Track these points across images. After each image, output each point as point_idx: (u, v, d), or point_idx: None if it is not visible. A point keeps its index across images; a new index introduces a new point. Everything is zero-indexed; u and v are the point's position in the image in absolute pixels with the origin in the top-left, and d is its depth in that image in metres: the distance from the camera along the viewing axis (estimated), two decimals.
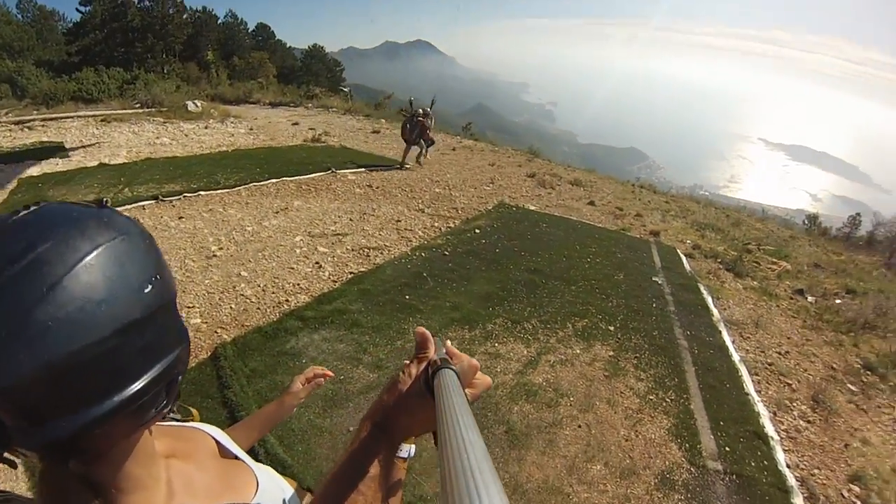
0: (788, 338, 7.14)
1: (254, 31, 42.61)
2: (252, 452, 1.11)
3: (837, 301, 9.19)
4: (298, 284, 6.04)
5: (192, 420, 1.12)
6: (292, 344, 4.73)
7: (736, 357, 6.10)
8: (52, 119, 15.35)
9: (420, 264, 6.80)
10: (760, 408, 5.12)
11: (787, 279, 10.00)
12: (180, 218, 7.96)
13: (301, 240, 7.38)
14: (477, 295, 6.05)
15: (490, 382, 0.73)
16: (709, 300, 7.69)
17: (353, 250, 7.05)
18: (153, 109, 16.99)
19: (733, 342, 6.51)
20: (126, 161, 11.06)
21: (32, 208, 0.68)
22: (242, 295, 5.75)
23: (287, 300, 5.65)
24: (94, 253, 0.64)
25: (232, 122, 16.17)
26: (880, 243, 18.23)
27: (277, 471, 1.09)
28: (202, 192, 9.01)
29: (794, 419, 5.15)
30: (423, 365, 0.72)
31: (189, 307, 5.46)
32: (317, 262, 6.55)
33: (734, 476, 4.06)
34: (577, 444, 4.09)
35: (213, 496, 0.86)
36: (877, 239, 18.64)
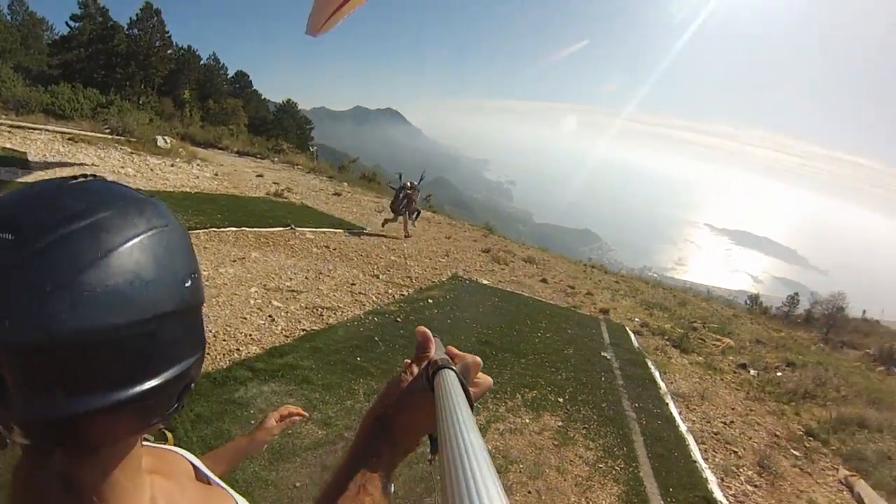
0: (733, 408, 7.53)
1: (232, 77, 43.29)
2: None
3: (779, 374, 9.77)
4: (251, 335, 5.98)
5: (167, 444, 1.10)
6: (241, 393, 4.68)
7: (683, 427, 6.38)
8: (19, 127, 14.99)
9: (372, 328, 6.90)
10: (708, 474, 5.35)
11: (731, 354, 10.60)
12: None
13: (256, 291, 7.36)
14: None
15: (491, 382, 0.73)
16: (656, 374, 8.05)
17: (306, 308, 7.09)
18: (122, 138, 17.00)
19: (680, 413, 6.81)
20: None
21: (91, 177, 0.71)
22: None
23: (238, 349, 5.60)
24: (150, 233, 0.66)
25: (198, 165, 16.25)
26: (817, 320, 19.60)
27: None
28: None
29: (742, 484, 5.40)
30: (424, 364, 0.72)
31: None
32: (270, 316, 6.54)
33: None
34: None
35: None
36: (814, 316, 20.05)
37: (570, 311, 11.01)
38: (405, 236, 13.34)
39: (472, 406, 0.59)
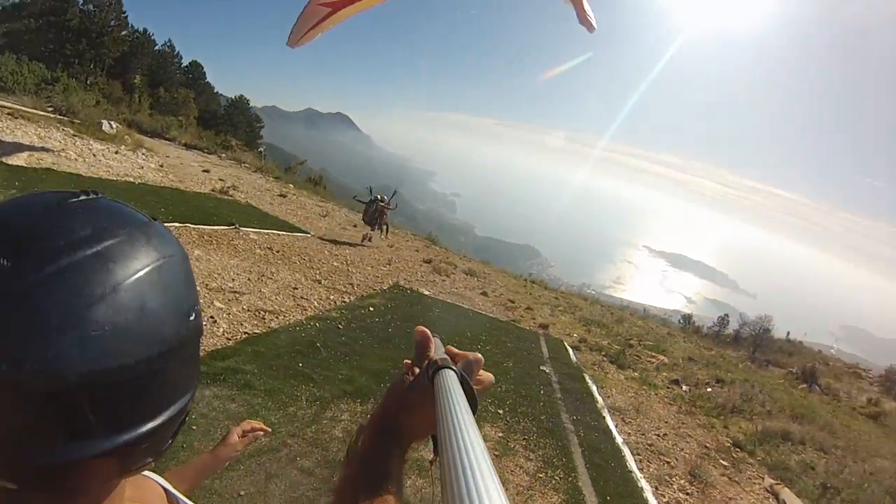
0: (666, 422, 7.97)
1: (186, 67, 41.56)
2: None
3: (709, 389, 10.39)
4: None
5: None
6: None
7: (619, 439, 6.69)
8: None
9: (314, 334, 6.85)
10: (643, 483, 5.66)
11: (665, 371, 11.18)
12: None
13: (198, 291, 7.06)
14: (369, 370, 6.16)
15: (493, 378, 0.74)
16: (594, 388, 8.39)
17: (248, 311, 6.97)
18: (66, 118, 16.24)
19: (616, 426, 7.14)
20: (25, 165, 10.20)
21: (92, 195, 0.67)
22: None
23: None
24: (157, 264, 0.63)
25: (144, 154, 15.60)
26: (745, 340, 21.00)
27: None
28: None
29: (675, 492, 5.76)
30: (424, 364, 0.71)
31: None
32: (212, 317, 6.34)
33: None
34: None
35: None
36: (742, 336, 21.46)
37: (510, 324, 11.28)
38: (365, 241, 14.26)
39: (475, 404, 0.60)
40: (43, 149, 11.91)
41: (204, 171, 16.84)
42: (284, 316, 7.19)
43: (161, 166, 14.96)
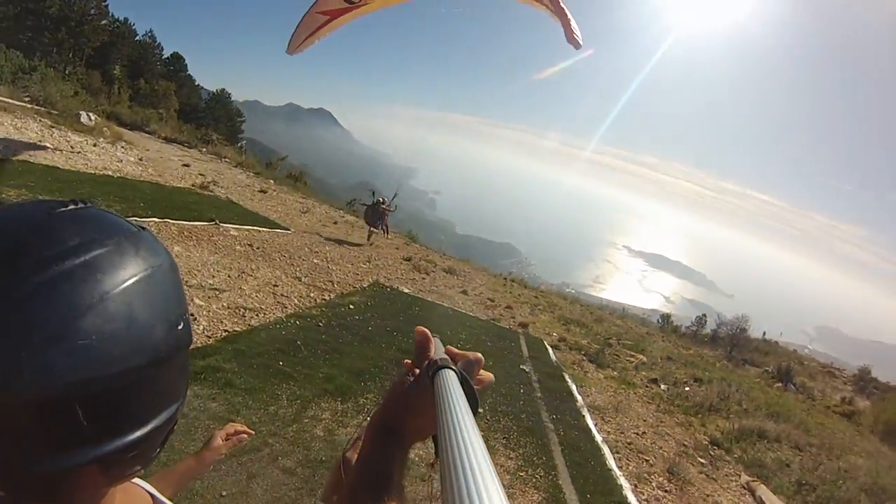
0: (645, 420, 8.13)
1: (168, 58, 40.77)
2: None
3: (687, 388, 10.61)
4: None
5: None
6: None
7: (599, 438, 6.81)
8: None
9: (294, 332, 6.84)
10: (623, 481, 5.78)
11: (644, 370, 11.37)
12: None
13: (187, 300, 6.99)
14: (350, 369, 6.17)
15: (493, 378, 0.74)
16: (573, 388, 8.51)
17: (229, 308, 6.94)
18: (43, 109, 15.94)
19: (596, 424, 7.26)
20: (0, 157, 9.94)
21: (80, 205, 0.68)
22: None
23: None
24: (145, 273, 0.65)
25: (123, 148, 15.43)
26: (722, 339, 21.45)
27: None
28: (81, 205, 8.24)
29: (654, 489, 5.91)
30: (425, 364, 0.71)
31: None
32: (192, 314, 6.29)
33: None
34: None
35: None
36: (719, 336, 21.91)
37: (490, 323, 11.36)
38: (369, 242, 15.26)
39: (476, 404, 0.61)
40: (19, 141, 11.68)
41: (184, 165, 16.68)
42: (265, 313, 7.18)
43: (140, 160, 14.78)
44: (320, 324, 7.44)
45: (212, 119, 37.99)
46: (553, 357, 10.10)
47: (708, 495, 6.17)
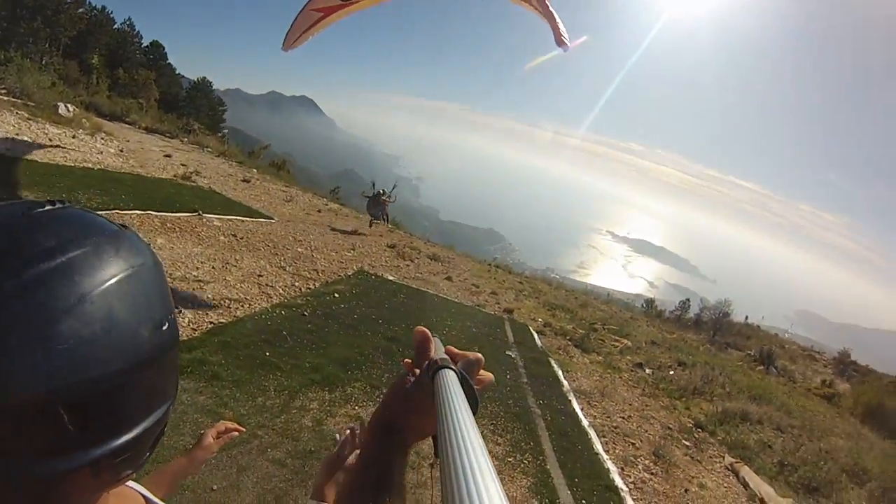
0: (630, 404, 8.26)
1: (147, 47, 39.94)
2: None
3: (671, 372, 10.79)
4: None
5: None
6: None
7: (585, 422, 6.91)
8: None
9: (280, 322, 6.83)
10: (610, 464, 5.91)
11: (629, 354, 11.53)
12: None
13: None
14: (336, 358, 6.19)
15: (492, 378, 0.74)
16: (559, 373, 8.61)
17: (213, 299, 6.93)
18: (19, 101, 15.58)
19: (582, 409, 7.37)
20: None
21: (58, 205, 0.67)
22: None
23: None
24: (125, 273, 0.64)
25: (102, 139, 15.21)
26: (705, 324, 21.82)
27: None
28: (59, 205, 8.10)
29: (640, 472, 6.04)
30: (425, 365, 0.71)
31: None
32: (176, 307, 6.26)
33: None
34: None
35: None
36: (703, 320, 22.29)
37: (475, 309, 11.41)
38: (372, 225, 16.56)
39: (476, 404, 0.60)
40: None
41: (166, 156, 16.50)
42: (249, 304, 7.17)
43: (121, 151, 14.59)
44: (306, 313, 7.43)
45: (193, 108, 37.57)
46: (538, 342, 10.19)
47: (693, 477, 6.33)
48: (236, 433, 1.51)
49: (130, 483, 0.95)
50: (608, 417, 7.44)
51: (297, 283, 8.70)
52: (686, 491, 5.92)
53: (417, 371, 0.73)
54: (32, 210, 0.63)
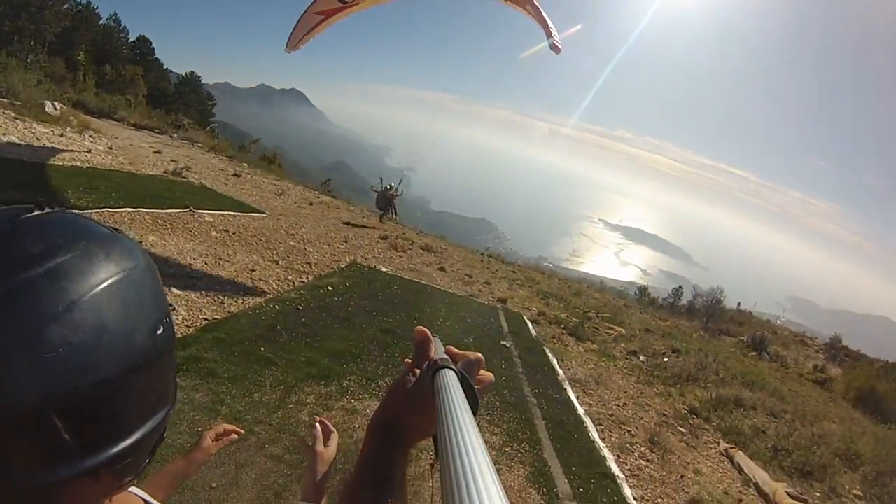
0: (625, 392, 8.35)
1: (134, 42, 39.48)
2: None
3: (665, 360, 10.88)
4: None
5: None
6: None
7: (581, 410, 6.98)
8: None
9: (274, 317, 6.82)
10: (606, 452, 5.99)
11: (623, 342, 11.62)
12: None
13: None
14: (331, 351, 6.21)
15: (493, 378, 0.73)
16: (554, 362, 8.68)
17: (207, 295, 6.92)
18: (6, 100, 15.55)
19: (578, 398, 7.43)
20: None
21: (47, 210, 0.66)
22: None
23: None
24: (117, 277, 0.63)
25: (91, 136, 15.11)
26: (699, 311, 21.97)
27: None
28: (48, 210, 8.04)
29: (636, 459, 6.12)
30: (425, 365, 0.71)
31: None
32: (170, 304, 6.23)
33: None
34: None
35: None
36: (696, 307, 22.44)
37: (469, 299, 11.45)
38: (382, 223, 17.04)
39: (476, 404, 0.61)
40: None
41: (155, 152, 16.37)
42: (243, 299, 7.17)
43: (110, 148, 14.49)
44: (299, 307, 7.42)
45: (182, 103, 37.24)
46: (533, 331, 10.25)
47: (688, 463, 6.42)
48: (235, 436, 1.51)
49: (131, 488, 0.95)
50: (604, 405, 7.51)
51: (290, 277, 8.71)
52: (682, 477, 6.01)
53: (417, 371, 0.73)
54: (20, 215, 0.62)
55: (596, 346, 10.57)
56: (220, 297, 6.96)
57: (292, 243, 10.87)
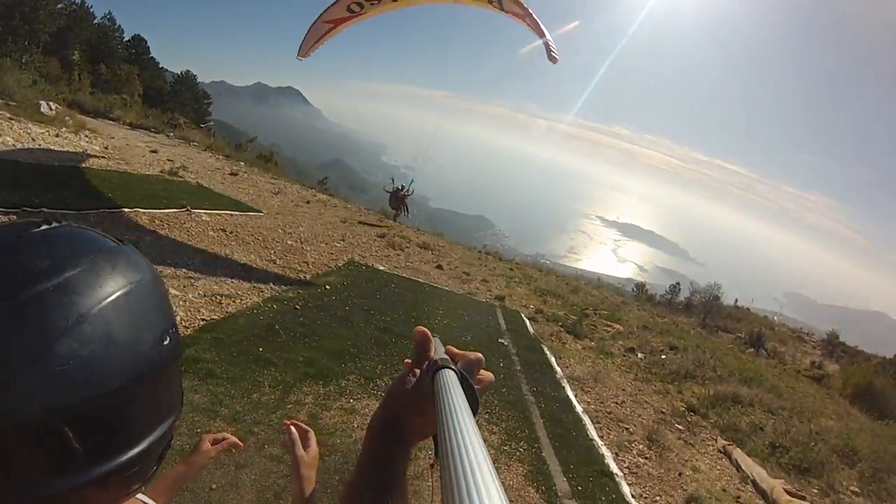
0: (623, 389, 8.37)
1: (129, 41, 39.33)
2: None
3: (663, 356, 10.91)
4: None
5: None
6: None
7: (579, 408, 7.01)
8: None
9: (272, 316, 6.84)
10: (604, 450, 6.01)
11: (620, 339, 11.64)
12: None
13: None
14: (329, 351, 6.22)
15: (492, 378, 0.73)
16: (552, 359, 8.70)
17: (205, 296, 6.91)
18: (0, 101, 15.40)
19: (576, 396, 7.45)
20: None
21: (54, 224, 0.67)
22: None
23: None
24: (124, 290, 0.64)
25: (87, 137, 15.07)
26: (696, 307, 22.06)
27: None
28: (45, 210, 8.06)
29: (634, 457, 6.14)
30: (425, 365, 0.72)
31: None
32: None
33: None
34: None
35: None
36: (693, 304, 22.53)
37: (467, 297, 11.46)
38: (396, 219, 18.37)
39: (476, 404, 0.61)
40: None
41: (152, 151, 16.32)
42: (241, 299, 7.17)
43: (106, 149, 14.43)
44: (297, 306, 7.43)
45: (178, 102, 37.14)
46: (531, 329, 10.27)
47: (686, 460, 6.46)
48: (235, 449, 1.52)
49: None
50: (602, 403, 7.54)
51: (287, 276, 8.70)
52: (680, 474, 6.04)
53: (417, 371, 0.74)
54: (28, 230, 0.63)
55: (594, 344, 10.59)
56: (218, 297, 6.96)
57: (290, 242, 10.86)
